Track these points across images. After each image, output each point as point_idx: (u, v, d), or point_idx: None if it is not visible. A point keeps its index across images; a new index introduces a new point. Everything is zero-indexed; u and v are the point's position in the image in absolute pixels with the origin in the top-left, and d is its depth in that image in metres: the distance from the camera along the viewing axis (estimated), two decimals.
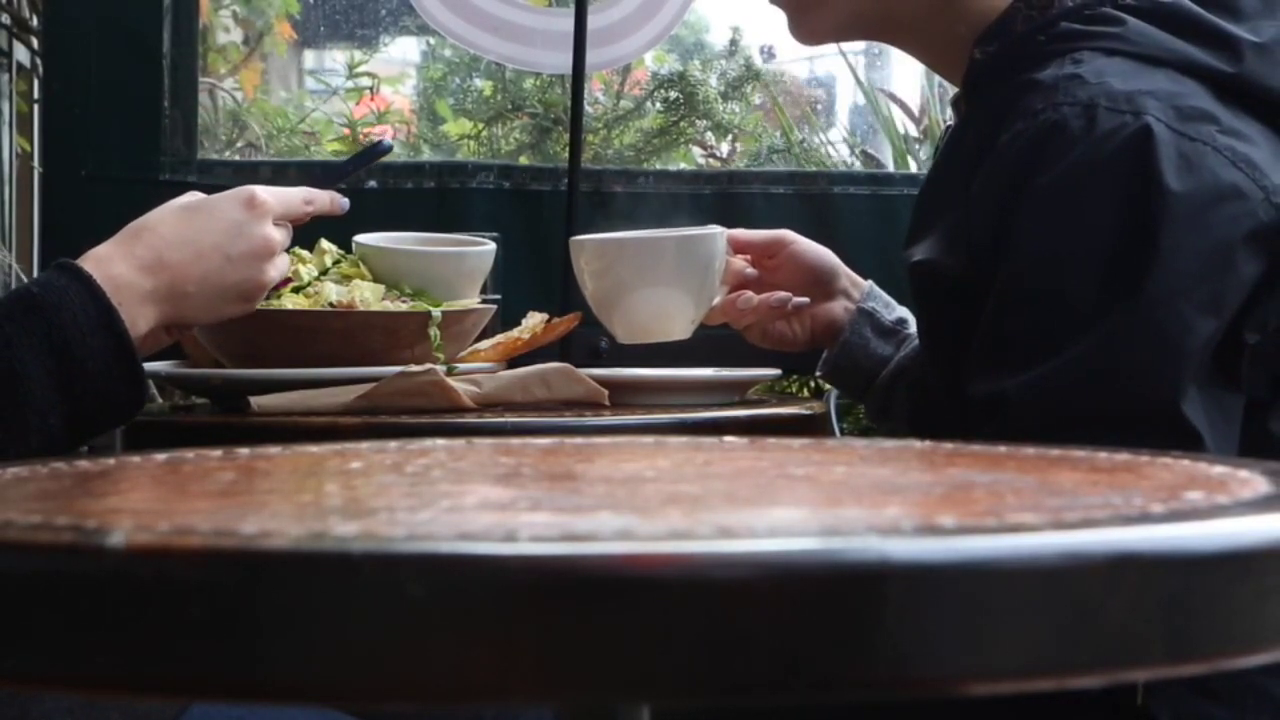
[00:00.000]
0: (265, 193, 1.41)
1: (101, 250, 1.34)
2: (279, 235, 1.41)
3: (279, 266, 1.42)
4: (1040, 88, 1.32)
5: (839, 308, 1.68)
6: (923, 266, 1.41)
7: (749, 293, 1.65)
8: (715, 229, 1.63)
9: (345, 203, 1.51)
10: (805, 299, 1.67)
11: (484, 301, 1.70)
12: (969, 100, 1.46)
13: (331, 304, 1.59)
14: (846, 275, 1.69)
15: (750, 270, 1.68)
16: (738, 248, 1.66)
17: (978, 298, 1.32)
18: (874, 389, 1.67)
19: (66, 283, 1.27)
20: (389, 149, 1.56)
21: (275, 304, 1.58)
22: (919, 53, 1.55)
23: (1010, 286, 1.29)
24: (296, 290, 1.60)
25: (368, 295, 1.61)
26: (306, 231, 1.64)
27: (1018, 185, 1.29)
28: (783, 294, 1.66)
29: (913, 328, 1.69)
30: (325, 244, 1.68)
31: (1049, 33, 1.37)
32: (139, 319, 1.31)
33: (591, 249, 1.63)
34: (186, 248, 1.36)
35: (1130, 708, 1.27)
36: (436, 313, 1.58)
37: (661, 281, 1.59)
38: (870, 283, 1.70)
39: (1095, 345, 1.24)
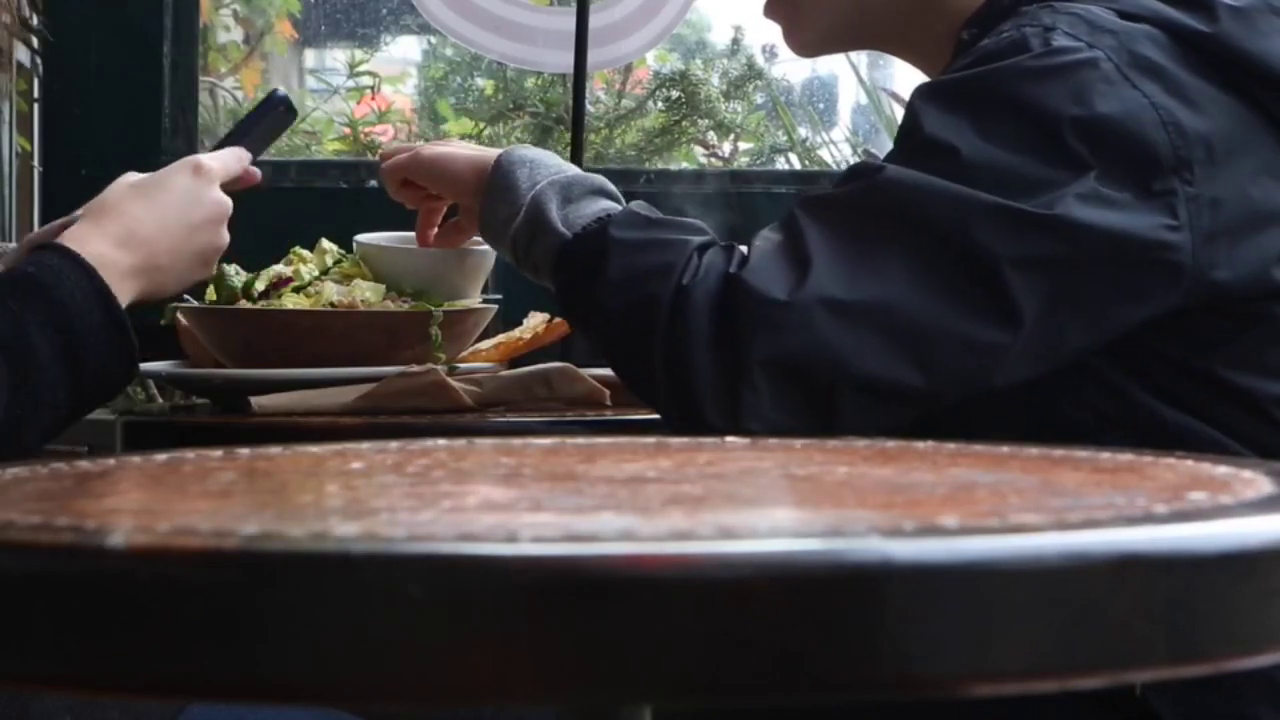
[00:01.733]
0: (209, 159, 1.46)
1: (73, 231, 1.36)
2: (227, 198, 1.45)
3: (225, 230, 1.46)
4: (1013, 16, 1.35)
5: None
6: None
7: None
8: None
9: (257, 174, 1.55)
10: None
11: (485, 301, 1.70)
12: None
13: (332, 304, 1.59)
14: None
15: None
16: None
17: None
18: None
19: (59, 262, 1.29)
20: (284, 98, 1.59)
21: (275, 304, 1.58)
22: (907, 55, 1.57)
23: (913, 139, 1.29)
24: (297, 290, 1.60)
25: (368, 295, 1.60)
26: (306, 231, 1.64)
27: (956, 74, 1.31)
28: None
29: None
30: (326, 244, 1.68)
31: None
32: (122, 294, 1.33)
33: None
34: (153, 222, 1.39)
35: (1129, 697, 1.27)
36: (438, 313, 1.58)
37: None
38: None
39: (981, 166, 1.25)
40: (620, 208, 1.38)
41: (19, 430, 1.24)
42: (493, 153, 1.47)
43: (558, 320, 1.72)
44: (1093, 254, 1.25)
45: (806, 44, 1.58)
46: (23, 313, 1.25)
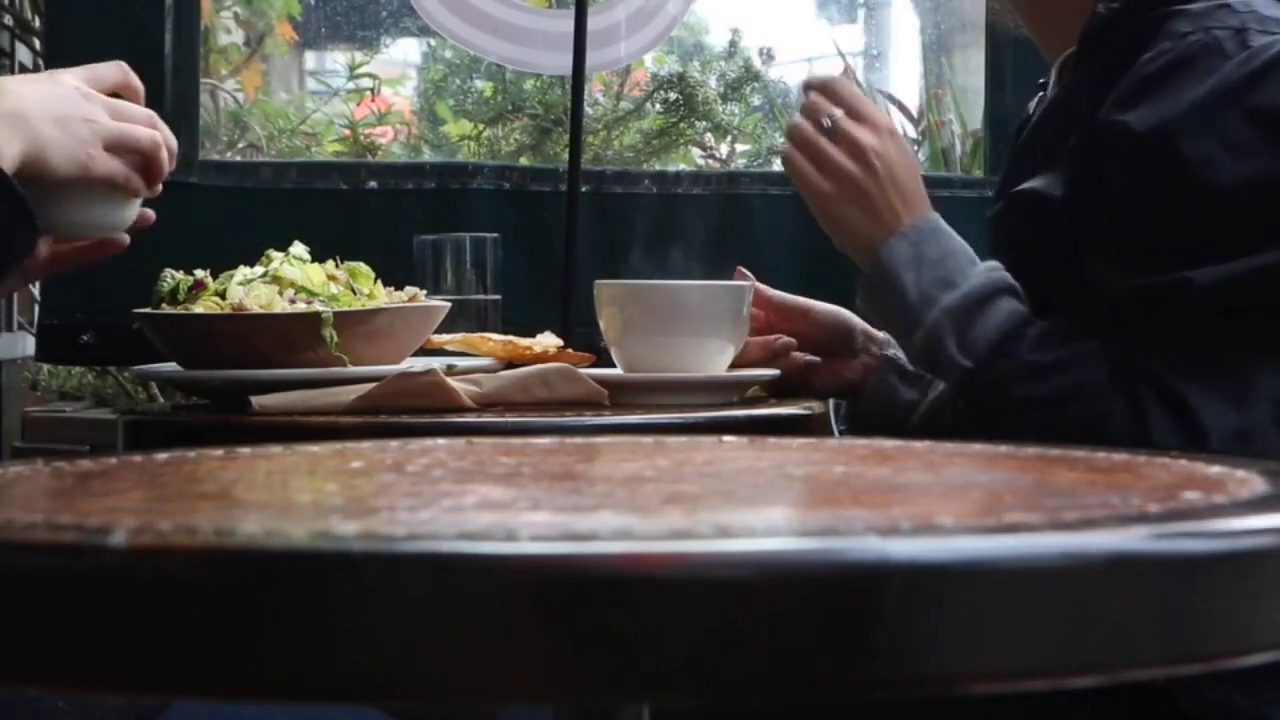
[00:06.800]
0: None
1: None
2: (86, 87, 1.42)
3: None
4: (1187, 15, 1.37)
5: (857, 365, 1.70)
6: (1023, 196, 1.44)
7: (787, 339, 1.68)
8: (746, 284, 1.64)
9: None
10: (817, 358, 1.71)
11: (484, 301, 1.69)
12: (1082, 57, 1.48)
13: (233, 306, 1.57)
14: (863, 332, 1.72)
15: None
16: (758, 302, 1.67)
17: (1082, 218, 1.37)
18: (906, 433, 1.68)
19: None
20: None
21: (181, 309, 1.57)
22: (1035, 13, 1.59)
23: (1169, 189, 1.32)
24: (220, 294, 1.59)
25: (261, 295, 1.58)
26: (306, 232, 1.64)
27: (1163, 96, 1.32)
28: (811, 357, 1.70)
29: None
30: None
31: None
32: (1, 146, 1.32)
33: (620, 293, 1.64)
34: (15, 81, 1.39)
35: (1152, 690, 1.28)
36: (327, 313, 1.56)
37: (692, 331, 1.61)
38: (885, 334, 1.72)
39: None
40: (1014, 314, 1.39)
41: None
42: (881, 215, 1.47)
43: (571, 352, 1.71)
44: None
45: None
46: None
